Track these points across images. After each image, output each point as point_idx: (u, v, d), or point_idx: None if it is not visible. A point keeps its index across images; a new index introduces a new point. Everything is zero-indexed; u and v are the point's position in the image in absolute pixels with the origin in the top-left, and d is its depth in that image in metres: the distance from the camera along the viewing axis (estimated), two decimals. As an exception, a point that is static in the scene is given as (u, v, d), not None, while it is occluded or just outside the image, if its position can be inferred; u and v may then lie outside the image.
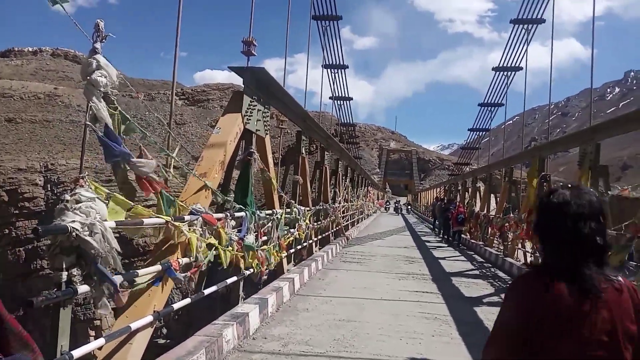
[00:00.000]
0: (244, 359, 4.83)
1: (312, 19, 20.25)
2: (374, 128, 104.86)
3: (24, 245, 28.72)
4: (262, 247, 6.82)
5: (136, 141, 4.45)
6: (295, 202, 10.03)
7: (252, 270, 6.47)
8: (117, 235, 3.34)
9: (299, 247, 10.28)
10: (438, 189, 45.54)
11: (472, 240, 18.71)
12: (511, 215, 14.17)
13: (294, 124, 11.74)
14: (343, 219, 18.71)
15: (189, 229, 4.57)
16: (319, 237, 13.04)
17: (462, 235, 19.42)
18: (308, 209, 10.95)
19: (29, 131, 40.90)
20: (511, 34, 21.14)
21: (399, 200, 59.84)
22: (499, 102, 25.19)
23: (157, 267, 4.11)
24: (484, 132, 29.54)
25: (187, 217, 4.59)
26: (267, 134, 8.03)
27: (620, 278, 1.57)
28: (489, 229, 16.87)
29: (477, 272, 12.18)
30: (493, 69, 23.68)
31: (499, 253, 14.22)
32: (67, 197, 3.04)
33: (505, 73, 22.94)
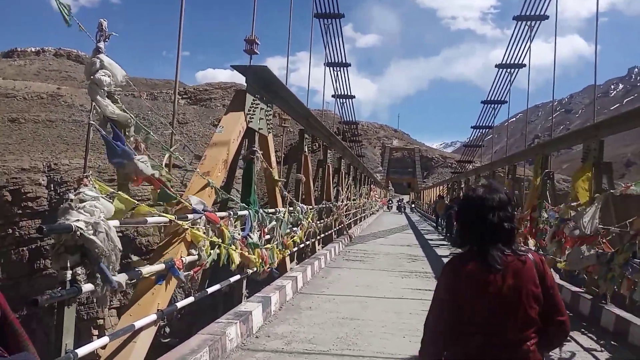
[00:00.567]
0: (247, 358, 4.84)
1: (314, 17, 20.23)
2: (376, 126, 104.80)
3: (28, 245, 28.81)
4: (265, 246, 6.82)
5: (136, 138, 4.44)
6: (298, 201, 10.04)
7: (255, 269, 6.48)
8: (120, 234, 3.35)
9: (301, 245, 10.28)
10: (441, 187, 45.48)
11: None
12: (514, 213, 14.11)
13: (297, 122, 11.74)
14: (346, 217, 18.71)
15: (193, 228, 4.59)
16: (322, 235, 13.04)
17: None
18: (311, 207, 10.95)
19: (32, 131, 41.04)
20: (514, 30, 21.05)
21: (402, 199, 58.34)
22: (502, 99, 25.10)
23: (161, 266, 4.12)
24: (487, 130, 29.46)
25: (190, 216, 4.60)
26: (269, 132, 8.04)
27: (529, 254, 2.04)
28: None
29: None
30: (496, 66, 23.59)
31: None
32: (71, 196, 3.06)
33: (508, 70, 22.86)
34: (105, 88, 3.31)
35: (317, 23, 21.60)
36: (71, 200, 2.99)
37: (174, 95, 6.13)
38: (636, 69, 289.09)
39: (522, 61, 21.76)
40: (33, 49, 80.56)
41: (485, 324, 1.97)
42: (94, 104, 3.35)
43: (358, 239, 18.20)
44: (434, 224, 28.39)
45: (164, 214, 4.22)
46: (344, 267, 11.30)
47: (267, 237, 7.15)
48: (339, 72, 25.51)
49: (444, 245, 18.32)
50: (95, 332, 24.28)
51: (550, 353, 5.44)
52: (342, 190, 17.84)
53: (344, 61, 24.68)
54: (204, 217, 4.78)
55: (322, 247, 13.09)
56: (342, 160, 18.58)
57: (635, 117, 8.49)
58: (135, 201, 3.65)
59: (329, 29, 22.37)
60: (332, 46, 23.22)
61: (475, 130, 30.45)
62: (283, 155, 14.50)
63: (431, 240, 20.03)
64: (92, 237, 2.93)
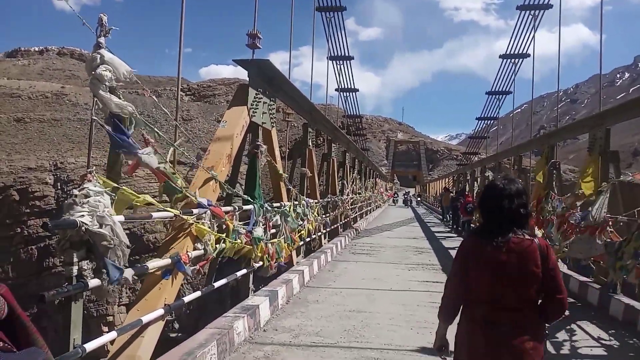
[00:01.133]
0: (255, 351, 4.85)
1: (316, 11, 20.15)
2: (380, 119, 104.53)
3: (36, 244, 29.02)
4: (271, 241, 6.83)
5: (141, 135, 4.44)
6: (303, 195, 10.04)
7: (262, 263, 6.49)
8: (128, 231, 3.35)
9: (308, 239, 10.29)
10: (446, 180, 45.31)
11: (482, 230, 18.59)
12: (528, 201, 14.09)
13: (300, 116, 11.72)
14: (351, 211, 18.69)
15: (198, 222, 4.59)
16: (328, 229, 13.04)
17: (472, 225, 19.33)
18: (316, 201, 10.95)
19: (37, 130, 41.21)
20: (518, 20, 20.91)
21: (409, 192, 55.80)
22: (507, 90, 24.96)
23: (167, 261, 4.13)
24: (492, 121, 29.31)
25: (195, 211, 4.60)
26: (273, 126, 8.02)
27: (536, 239, 2.37)
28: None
29: (487, 261, 12.11)
30: (500, 56, 23.46)
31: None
32: (76, 192, 3.06)
33: (512, 60, 22.71)
34: (107, 83, 3.30)
35: (319, 17, 21.54)
36: (76, 195, 3.00)
37: (177, 92, 6.12)
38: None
39: (527, 51, 21.61)
40: (36, 49, 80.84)
41: (489, 295, 2.33)
42: (96, 99, 3.34)
43: (364, 233, 18.19)
44: (440, 217, 28.35)
45: (169, 209, 4.23)
46: (351, 260, 11.30)
47: (273, 231, 7.15)
48: (342, 66, 25.49)
49: (450, 237, 18.29)
50: (105, 328, 24.45)
51: (562, 343, 5.44)
52: (348, 184, 17.83)
53: (346, 54, 24.61)
54: (209, 211, 4.79)
55: (329, 241, 13.09)
56: (347, 154, 18.55)
57: (641, 104, 8.41)
58: (138, 195, 3.65)
59: (331, 22, 22.34)
60: (334, 40, 23.19)
61: (480, 121, 30.35)
62: (287, 150, 14.48)
63: (438, 232, 20.00)
64: (97, 230, 2.93)
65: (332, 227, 13.73)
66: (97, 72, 3.24)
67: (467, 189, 25.68)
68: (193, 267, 4.50)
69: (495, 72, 24.62)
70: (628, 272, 6.66)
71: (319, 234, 11.92)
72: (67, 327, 3.05)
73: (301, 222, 8.98)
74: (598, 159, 8.71)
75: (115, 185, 3.48)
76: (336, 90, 26.85)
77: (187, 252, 4.41)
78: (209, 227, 4.76)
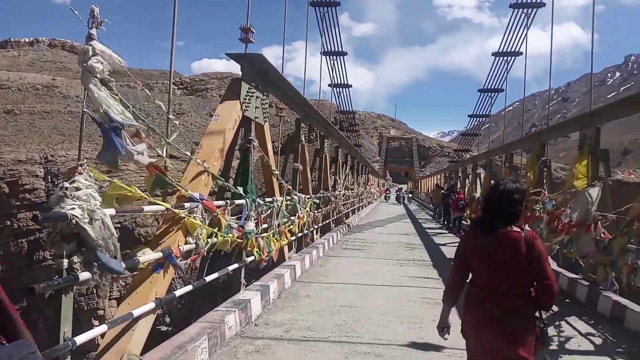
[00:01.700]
0: (246, 345, 4.86)
1: (309, 6, 20.05)
2: (373, 116, 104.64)
3: (26, 237, 28.81)
4: (262, 235, 6.83)
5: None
6: (296, 190, 10.03)
7: (253, 257, 6.49)
8: (119, 225, 3.33)
9: (300, 235, 10.30)
10: (438, 176, 45.45)
11: (473, 227, 18.71)
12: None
13: (293, 111, 11.69)
14: (344, 206, 18.72)
15: (189, 216, 4.58)
16: (320, 224, 13.05)
17: (463, 222, 19.44)
18: (308, 196, 10.95)
19: (27, 122, 40.80)
20: (511, 18, 20.93)
21: (401, 188, 54.19)
22: (499, 87, 25.02)
23: (158, 254, 4.12)
24: (484, 118, 29.41)
25: (187, 205, 4.58)
26: (266, 121, 8.00)
27: (524, 231, 2.65)
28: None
29: (477, 257, 12.20)
30: (493, 54, 23.48)
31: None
32: (66, 184, 3.03)
33: (505, 58, 22.76)
34: (99, 75, 3.27)
35: (312, 12, 21.45)
36: (66, 188, 2.97)
37: (169, 85, 6.07)
38: (633, 57, 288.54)
39: (519, 49, 21.67)
40: (27, 40, 79.94)
41: (485, 280, 2.70)
42: (87, 92, 3.30)
43: (356, 228, 18.24)
44: (432, 213, 28.47)
45: (161, 202, 4.21)
46: (342, 255, 11.33)
47: (265, 226, 7.15)
48: (335, 61, 25.38)
49: (441, 233, 18.39)
50: (96, 322, 24.35)
51: (551, 338, 5.49)
52: (340, 180, 17.84)
53: (340, 50, 24.53)
54: (200, 205, 4.77)
55: (321, 236, 13.11)
56: (340, 150, 18.55)
57: (630, 103, 8.50)
58: (129, 188, 3.62)
59: (325, 17, 22.21)
60: (328, 35, 23.07)
61: (472, 119, 30.40)
62: (280, 146, 14.45)
63: (429, 229, 20.09)
64: (87, 226, 2.91)
65: (324, 222, 13.75)
66: (89, 64, 3.21)
67: (459, 185, 25.79)
68: (185, 261, 4.49)
69: (488, 70, 24.70)
70: (617, 269, 6.76)
71: (311, 229, 11.93)
72: (57, 320, 3.03)
73: (292, 217, 8.99)
74: (588, 157, 8.80)
75: (106, 178, 3.46)
76: (329, 85, 26.78)
77: (178, 245, 4.39)
78: (201, 221, 4.75)
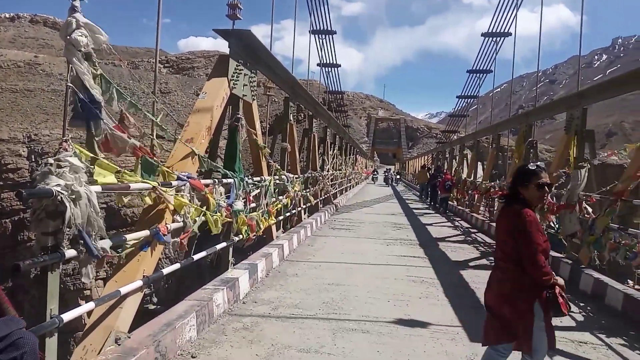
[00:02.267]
0: (234, 323, 4.89)
1: (298, -17, 19.71)
2: (362, 96, 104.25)
3: (10, 217, 28.47)
4: (250, 215, 6.82)
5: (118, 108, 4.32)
6: (284, 170, 10.00)
7: (241, 236, 6.50)
8: (105, 205, 3.28)
9: (287, 214, 10.31)
10: (426, 157, 45.64)
11: (459, 207, 18.93)
12: (496, 182, 14.40)
13: (282, 90, 11.58)
14: (332, 187, 18.75)
15: (177, 195, 4.54)
16: (308, 204, 13.08)
17: (449, 202, 19.62)
18: (297, 176, 10.94)
19: (10, 101, 39.94)
20: (501, -2, 20.77)
21: (390, 169, 52.87)
22: (488, 69, 25.01)
23: (145, 232, 4.09)
24: (472, 100, 29.45)
25: (174, 183, 4.55)
26: (254, 99, 7.92)
27: (517, 207, 3.04)
28: (475, 195, 17.07)
29: (463, 237, 12.37)
30: (482, 34, 23.38)
31: (484, 219, 14.43)
32: (51, 160, 2.98)
33: (494, 39, 22.70)
34: (83, 49, 3.18)
35: (302, -11, 21.11)
36: (51, 164, 2.92)
37: (155, 62, 5.95)
38: (620, 40, 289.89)
39: (508, 30, 21.61)
40: (7, 15, 77.73)
41: (496, 248, 3.31)
42: (71, 65, 3.22)
43: (344, 209, 18.31)
44: (418, 194, 28.68)
45: (147, 181, 4.16)
46: (330, 235, 11.40)
47: (253, 205, 7.14)
48: (324, 40, 25.03)
49: (428, 213, 18.56)
50: (83, 302, 24.33)
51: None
52: (328, 160, 17.82)
53: (329, 29, 24.23)
54: (188, 184, 4.74)
55: (308, 216, 13.15)
56: (328, 130, 18.49)
57: (616, 85, 8.57)
58: (117, 166, 3.58)
59: (314, -5, 21.84)
60: (317, 13, 22.74)
61: (460, 100, 30.41)
62: (268, 126, 14.35)
63: (416, 209, 20.25)
64: (71, 205, 2.86)
65: (312, 202, 13.78)
66: (72, 37, 3.12)
67: (446, 166, 25.91)
68: (174, 239, 4.48)
69: (477, 52, 24.61)
70: (601, 247, 6.91)
71: (299, 209, 11.95)
72: (43, 301, 3.00)
73: (280, 197, 8.99)
74: (574, 138, 8.89)
75: (93, 155, 3.40)
76: (318, 65, 26.50)
77: (165, 224, 4.37)
78: (189, 200, 4.72)
